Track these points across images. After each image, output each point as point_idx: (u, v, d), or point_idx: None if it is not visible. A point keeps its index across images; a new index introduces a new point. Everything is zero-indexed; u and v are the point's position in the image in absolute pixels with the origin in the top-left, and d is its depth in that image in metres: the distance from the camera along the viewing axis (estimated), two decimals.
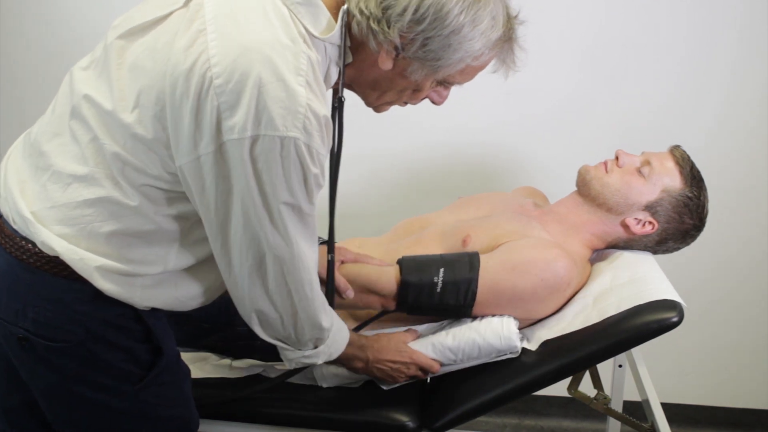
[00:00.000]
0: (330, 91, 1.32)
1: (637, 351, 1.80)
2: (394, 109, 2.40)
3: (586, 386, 1.80)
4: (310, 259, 1.30)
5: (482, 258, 1.64)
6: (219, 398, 1.64)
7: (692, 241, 1.80)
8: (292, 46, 1.14)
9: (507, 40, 1.34)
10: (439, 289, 1.60)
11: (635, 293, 1.59)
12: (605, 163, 1.78)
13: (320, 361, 1.46)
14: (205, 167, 1.16)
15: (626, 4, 2.31)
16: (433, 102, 1.40)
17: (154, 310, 1.35)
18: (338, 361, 1.56)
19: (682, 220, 1.74)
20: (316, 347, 1.44)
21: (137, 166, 1.20)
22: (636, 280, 1.65)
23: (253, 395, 1.65)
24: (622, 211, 1.74)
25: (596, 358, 1.56)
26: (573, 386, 1.78)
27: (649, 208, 1.73)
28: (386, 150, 2.48)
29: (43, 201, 1.25)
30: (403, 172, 2.50)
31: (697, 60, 2.33)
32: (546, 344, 1.59)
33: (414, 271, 1.62)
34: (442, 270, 1.61)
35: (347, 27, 1.23)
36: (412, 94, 1.36)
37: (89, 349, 1.29)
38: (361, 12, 1.20)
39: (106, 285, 1.25)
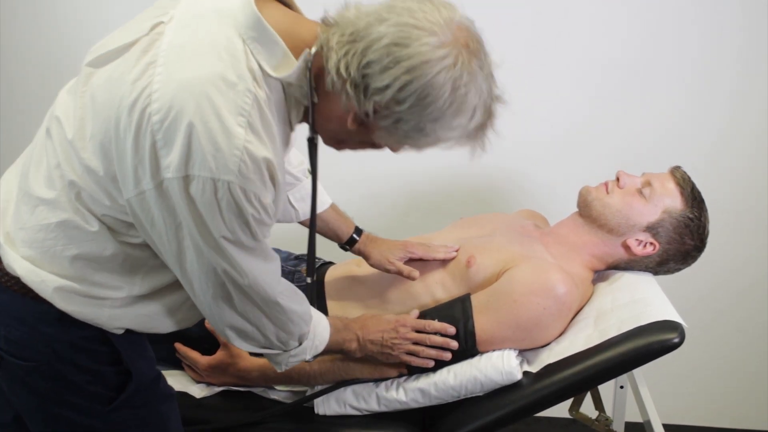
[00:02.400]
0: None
1: (638, 372, 1.79)
2: None
3: (588, 408, 1.79)
4: (271, 277, 1.28)
5: (483, 294, 1.65)
6: (226, 422, 1.64)
7: (693, 261, 1.80)
8: (237, 83, 1.10)
9: (482, 127, 1.25)
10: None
11: (636, 314, 1.59)
12: (606, 184, 1.78)
13: (308, 357, 1.44)
14: (151, 201, 1.14)
15: (627, 27, 2.32)
16: (393, 150, 1.32)
17: (128, 332, 1.33)
18: (332, 352, 1.56)
19: (683, 241, 1.74)
20: (300, 344, 1.42)
21: (93, 197, 1.20)
22: (637, 300, 1.65)
23: (264, 420, 1.66)
24: (623, 232, 1.74)
25: (597, 380, 1.56)
26: (574, 408, 1.77)
27: (650, 229, 1.73)
28: (386, 171, 2.49)
29: (16, 222, 1.26)
30: (403, 194, 2.50)
31: (698, 81, 2.34)
32: (547, 366, 1.58)
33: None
34: (436, 321, 1.62)
35: (312, 71, 1.16)
36: (371, 148, 1.31)
37: (57, 369, 1.28)
38: (338, 72, 1.11)
39: (68, 307, 1.24)
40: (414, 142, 1.22)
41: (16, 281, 1.24)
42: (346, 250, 1.80)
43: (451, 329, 1.61)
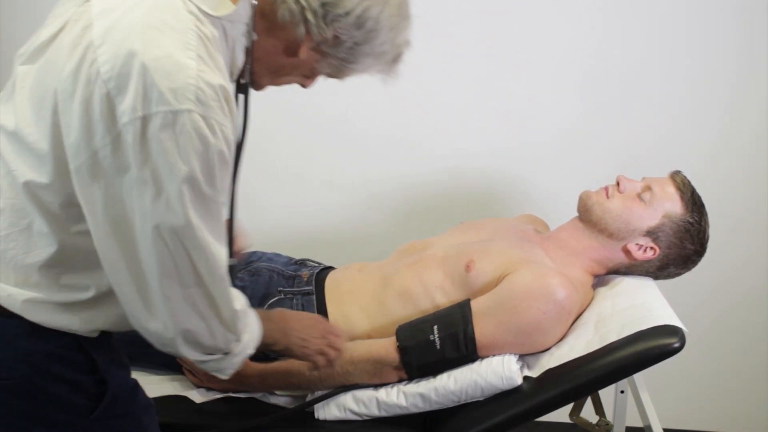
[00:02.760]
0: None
1: (639, 377, 1.79)
2: (398, 135, 2.43)
3: (588, 412, 1.79)
4: (220, 253, 1.23)
5: (483, 300, 1.64)
6: (226, 428, 1.64)
7: (693, 266, 1.80)
8: (178, 24, 1.11)
9: (399, 57, 1.39)
10: (438, 346, 1.61)
11: (637, 319, 1.59)
12: (606, 189, 1.78)
13: (251, 351, 1.39)
14: (103, 163, 1.11)
15: (626, 31, 2.33)
16: (303, 86, 1.38)
17: (104, 339, 1.30)
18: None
19: (684, 246, 1.74)
20: (239, 341, 1.36)
21: (45, 185, 1.17)
22: (637, 305, 1.65)
23: (264, 425, 1.65)
24: (624, 237, 1.75)
25: (598, 384, 1.56)
26: (575, 412, 1.77)
27: (651, 233, 1.73)
28: (387, 175, 2.49)
29: None
30: (404, 198, 2.51)
31: (697, 85, 2.35)
32: (548, 371, 1.58)
33: (409, 336, 1.63)
34: (435, 327, 1.62)
35: (260, 10, 1.20)
36: (301, 79, 1.35)
37: (35, 384, 1.25)
38: (297, 1, 1.17)
39: (40, 317, 1.22)
40: (358, 67, 1.30)
41: None
42: None
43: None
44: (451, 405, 1.62)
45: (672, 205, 1.74)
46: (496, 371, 1.58)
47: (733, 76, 2.32)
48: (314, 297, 1.80)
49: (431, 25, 2.36)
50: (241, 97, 1.30)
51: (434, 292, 1.74)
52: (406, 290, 1.76)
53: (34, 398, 1.26)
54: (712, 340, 2.54)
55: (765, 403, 2.60)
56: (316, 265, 1.93)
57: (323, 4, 1.17)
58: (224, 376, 1.38)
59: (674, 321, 1.57)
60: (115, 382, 1.33)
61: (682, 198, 1.74)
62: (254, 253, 2.00)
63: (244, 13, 1.19)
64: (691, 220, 1.73)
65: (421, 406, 1.63)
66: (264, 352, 1.73)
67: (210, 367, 1.35)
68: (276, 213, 2.53)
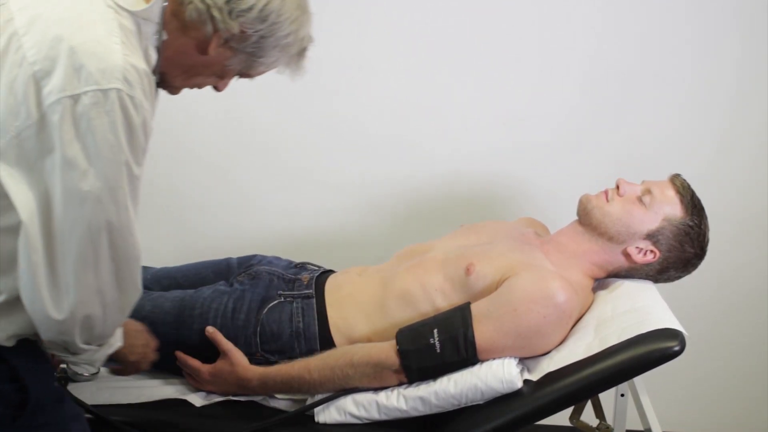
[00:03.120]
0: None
1: (639, 380, 1.79)
2: (398, 138, 2.43)
3: (588, 416, 1.79)
4: (137, 232, 1.24)
5: (483, 303, 1.64)
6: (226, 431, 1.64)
7: (693, 269, 1.80)
8: (100, 16, 1.16)
9: (304, 51, 1.43)
10: (438, 350, 1.60)
11: (637, 322, 1.59)
12: (606, 192, 1.78)
13: (120, 344, 1.38)
14: (26, 143, 1.12)
15: (626, 33, 2.33)
16: (216, 89, 1.43)
17: (26, 347, 1.28)
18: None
19: (684, 249, 1.74)
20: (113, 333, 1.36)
21: None
22: (637, 308, 1.65)
23: (264, 428, 1.65)
24: (624, 240, 1.75)
25: (598, 388, 1.56)
26: (575, 416, 1.77)
27: (651, 236, 1.73)
28: (387, 178, 2.49)
29: None
30: (405, 201, 2.51)
31: (698, 89, 2.35)
32: (548, 375, 1.58)
33: (409, 339, 1.63)
34: (435, 331, 1.62)
35: (171, 10, 1.25)
36: (214, 80, 1.39)
37: None
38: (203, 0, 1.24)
39: None
40: (266, 61, 1.36)
41: None
42: None
43: None
44: (451, 408, 1.62)
45: (672, 209, 1.74)
46: (497, 375, 1.58)
47: (734, 79, 2.33)
48: (314, 300, 1.80)
49: (430, 28, 2.37)
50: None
51: (434, 296, 1.74)
52: (406, 293, 1.76)
53: None
54: (713, 344, 2.54)
55: (765, 406, 2.60)
56: (317, 268, 1.93)
57: (227, 1, 1.24)
58: (94, 369, 1.39)
59: (674, 324, 1.56)
60: (38, 390, 1.31)
61: (681, 201, 1.74)
62: (254, 256, 2.00)
63: (156, 12, 1.24)
64: (691, 224, 1.73)
65: (422, 410, 1.63)
66: (264, 356, 1.75)
67: (84, 359, 1.33)
68: (276, 216, 2.53)
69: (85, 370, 1.43)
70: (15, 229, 1.17)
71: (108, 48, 1.13)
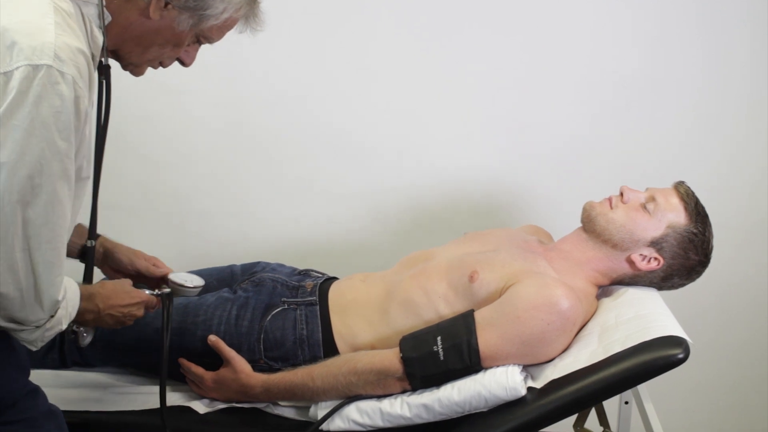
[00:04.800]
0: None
1: (643, 387, 1.79)
2: (402, 146, 2.43)
3: (592, 423, 1.79)
4: (63, 217, 1.22)
5: (486, 311, 1.64)
6: None
7: (697, 277, 1.80)
8: (35, 2, 1.17)
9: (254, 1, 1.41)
10: (442, 357, 1.60)
11: (641, 329, 1.59)
12: (610, 199, 1.78)
13: (64, 327, 1.35)
14: None
15: (631, 39, 2.34)
16: (183, 63, 1.42)
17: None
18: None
19: (688, 256, 1.74)
20: (53, 316, 1.31)
21: None
22: (641, 316, 1.65)
23: None
24: (628, 247, 1.74)
25: (602, 395, 1.55)
26: (579, 423, 1.77)
27: (655, 244, 1.73)
28: (391, 186, 2.49)
29: None
30: (408, 209, 2.51)
31: (703, 96, 2.35)
32: (552, 382, 1.58)
33: (413, 347, 1.63)
34: (439, 338, 1.62)
35: None
36: (172, 49, 1.38)
37: None
38: None
39: None
40: (212, 13, 1.33)
41: None
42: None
43: None
44: (454, 416, 1.62)
45: (676, 216, 1.74)
46: (500, 382, 1.57)
47: (740, 86, 2.33)
48: (318, 307, 1.80)
49: (435, 37, 2.38)
50: (103, 81, 1.32)
51: (438, 303, 1.74)
52: (410, 300, 1.76)
53: None
54: (717, 351, 2.54)
55: None
56: (320, 275, 1.93)
57: None
58: (34, 348, 1.33)
59: (679, 332, 1.56)
60: (7, 385, 1.30)
61: (686, 208, 1.74)
62: (258, 263, 2.00)
63: None
64: (695, 231, 1.73)
65: (425, 417, 1.62)
66: (268, 363, 1.75)
67: (20, 338, 1.30)
68: (280, 223, 2.53)
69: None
70: None
71: (40, 27, 1.14)
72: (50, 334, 1.31)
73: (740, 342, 2.54)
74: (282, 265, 1.99)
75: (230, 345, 1.74)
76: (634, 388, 1.80)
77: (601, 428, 1.78)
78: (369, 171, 2.49)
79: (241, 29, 1.42)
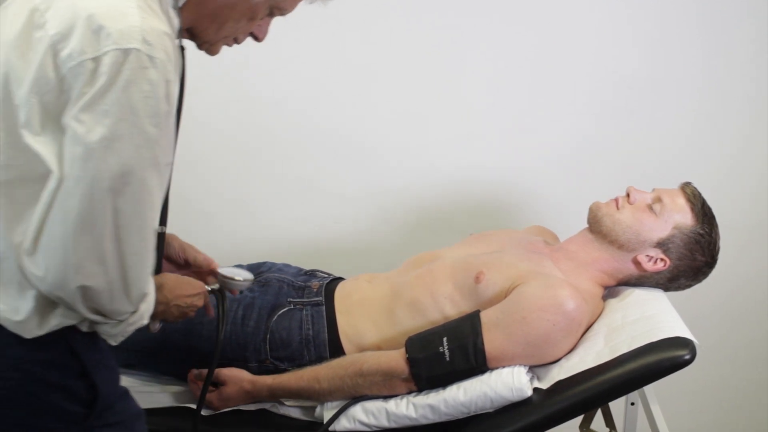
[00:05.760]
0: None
1: (649, 389, 1.78)
2: (408, 147, 2.43)
3: (599, 424, 1.79)
4: (154, 206, 1.20)
5: (492, 311, 1.64)
6: None
7: (704, 278, 1.79)
8: None
9: None
10: (448, 358, 1.60)
11: (647, 330, 1.59)
12: (616, 200, 1.78)
13: (146, 321, 1.32)
14: (49, 108, 1.12)
15: (636, 40, 2.33)
16: (256, 38, 1.39)
17: (92, 341, 1.27)
18: None
19: (694, 257, 1.74)
20: (137, 310, 1.28)
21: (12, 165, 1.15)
22: (648, 317, 1.65)
23: None
24: (634, 248, 1.74)
25: (608, 396, 1.55)
26: (585, 424, 1.77)
27: (661, 245, 1.73)
28: (397, 187, 2.49)
29: None
30: (413, 210, 2.51)
31: (709, 97, 2.34)
32: (558, 383, 1.58)
33: (419, 347, 1.63)
34: (445, 339, 1.62)
35: None
36: (246, 24, 1.34)
37: (29, 392, 1.23)
38: None
39: (42, 330, 1.20)
40: None
41: None
42: None
43: None
44: (460, 416, 1.62)
45: (682, 217, 1.73)
46: (506, 383, 1.57)
47: (746, 86, 2.32)
48: (324, 308, 1.80)
49: (440, 39, 2.37)
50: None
51: (444, 304, 1.74)
52: (416, 301, 1.76)
53: (27, 407, 1.23)
54: (724, 352, 2.53)
55: None
56: (326, 275, 1.94)
57: None
58: (114, 342, 1.31)
59: (685, 333, 1.56)
60: (106, 387, 1.30)
61: (692, 209, 1.74)
62: (264, 263, 2.00)
63: None
64: (701, 232, 1.73)
65: (431, 418, 1.62)
66: (274, 364, 1.75)
67: (102, 331, 1.28)
68: (286, 224, 2.53)
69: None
70: None
71: (124, 12, 1.11)
72: (132, 329, 1.29)
73: (747, 343, 2.54)
74: (288, 266, 1.99)
75: (236, 345, 1.74)
76: (640, 389, 1.80)
77: (607, 429, 1.77)
78: (375, 172, 2.49)
79: (310, 0, 1.39)
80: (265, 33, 1.39)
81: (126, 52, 1.10)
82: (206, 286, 1.55)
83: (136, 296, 1.23)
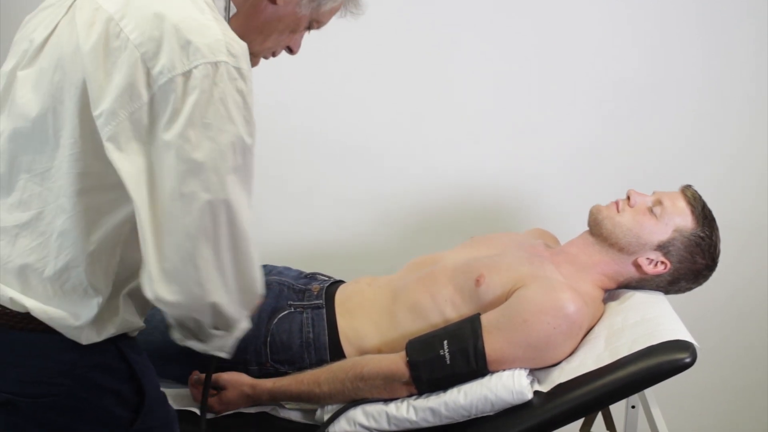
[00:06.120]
0: None
1: (650, 392, 1.78)
2: (408, 150, 2.44)
3: (599, 427, 1.79)
4: (247, 207, 1.20)
5: (493, 314, 1.64)
6: None
7: (705, 280, 1.79)
8: None
9: None
10: (448, 361, 1.60)
11: (648, 333, 1.59)
12: (617, 203, 1.78)
13: (249, 325, 1.35)
14: (140, 124, 1.12)
15: (638, 43, 2.34)
16: (291, 50, 1.40)
17: (136, 345, 1.30)
18: None
19: (695, 260, 1.74)
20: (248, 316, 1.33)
21: (77, 172, 1.17)
22: (648, 320, 1.64)
23: None
24: (634, 251, 1.74)
25: (609, 399, 1.55)
26: (585, 428, 1.77)
27: (662, 247, 1.73)
28: (398, 190, 2.49)
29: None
30: (414, 213, 2.51)
31: (709, 99, 2.34)
32: (558, 386, 1.58)
33: (419, 351, 1.63)
34: (445, 342, 1.61)
35: None
36: (288, 36, 1.36)
37: (79, 397, 1.24)
38: None
39: (99, 336, 1.22)
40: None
41: (22, 318, 1.20)
42: None
43: None
44: (461, 420, 1.61)
45: (683, 220, 1.73)
46: (507, 386, 1.57)
47: (746, 89, 2.32)
48: (324, 311, 1.80)
49: (441, 43, 2.38)
50: None
51: (444, 306, 1.74)
52: (416, 304, 1.76)
53: (75, 413, 1.24)
54: (724, 355, 2.53)
55: None
56: (327, 278, 1.94)
57: None
58: (226, 355, 1.34)
59: (685, 336, 1.56)
60: (150, 388, 1.32)
61: (692, 212, 1.74)
62: (264, 266, 2.00)
63: None
64: (702, 235, 1.72)
65: (431, 421, 1.62)
66: (274, 367, 1.75)
67: (214, 346, 1.30)
68: (287, 227, 2.53)
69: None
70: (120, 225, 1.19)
71: (206, 24, 1.12)
72: (239, 336, 1.32)
73: (747, 345, 2.53)
74: (288, 269, 1.99)
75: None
76: (641, 392, 1.80)
77: None
78: (375, 175, 2.49)
79: (342, 14, 1.41)
80: (299, 45, 1.40)
81: (216, 66, 1.10)
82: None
83: (250, 302, 1.27)
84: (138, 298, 1.26)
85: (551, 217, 2.41)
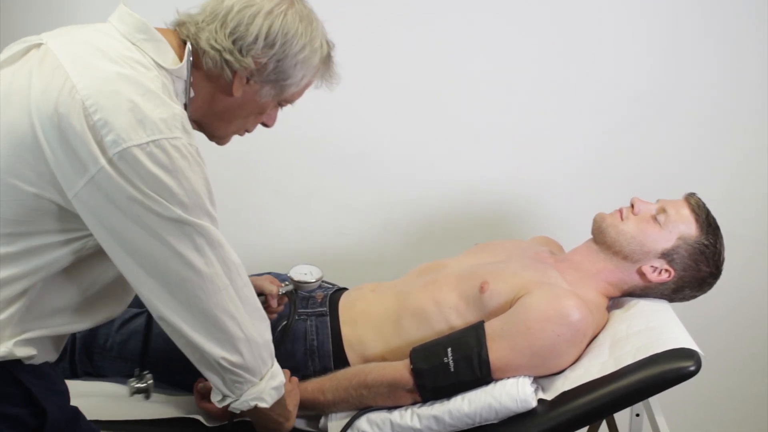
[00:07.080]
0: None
1: (654, 400, 1.78)
2: (413, 158, 2.44)
3: None
4: (239, 261, 1.33)
5: (497, 322, 1.64)
6: None
7: (709, 288, 1.79)
8: (146, 72, 1.20)
9: (329, 58, 1.43)
10: (452, 369, 1.60)
11: (652, 341, 1.58)
12: (621, 211, 1.78)
13: (283, 378, 1.47)
14: (102, 186, 1.15)
15: (643, 52, 2.34)
16: (266, 125, 1.45)
17: (39, 367, 1.30)
18: None
19: (699, 268, 1.73)
20: (271, 366, 1.45)
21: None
22: (653, 328, 1.64)
23: None
24: (638, 259, 1.74)
25: (613, 408, 1.55)
26: None
27: (666, 255, 1.73)
28: (401, 197, 2.50)
29: None
30: (417, 221, 2.51)
31: (714, 108, 2.35)
32: (562, 394, 1.58)
33: (423, 358, 1.63)
34: (449, 350, 1.61)
35: (193, 64, 1.29)
36: (255, 118, 1.41)
37: None
38: (213, 47, 1.27)
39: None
40: (293, 81, 1.36)
41: None
42: None
43: None
44: (465, 427, 1.61)
45: (687, 228, 1.73)
46: (511, 394, 1.57)
47: (752, 98, 2.32)
48: (328, 318, 1.80)
49: (446, 50, 2.38)
50: None
51: (448, 313, 1.74)
52: (421, 311, 1.76)
53: None
54: (729, 363, 2.52)
55: None
56: (330, 286, 1.94)
57: (233, 41, 1.28)
58: (266, 405, 1.43)
59: (690, 344, 1.56)
60: (55, 412, 1.31)
61: (697, 220, 1.74)
62: (268, 274, 2.00)
63: (186, 70, 1.28)
64: (706, 242, 1.72)
65: (435, 429, 1.62)
66: None
67: (251, 395, 1.41)
68: (290, 234, 2.53)
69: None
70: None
71: (162, 100, 1.17)
72: (274, 384, 1.45)
73: (752, 354, 2.53)
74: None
75: None
76: (645, 401, 1.79)
77: None
78: (379, 182, 2.49)
79: (317, 85, 1.46)
80: (274, 120, 1.46)
81: (171, 140, 1.16)
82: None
83: (267, 351, 1.43)
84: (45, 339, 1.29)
85: (556, 224, 2.41)
